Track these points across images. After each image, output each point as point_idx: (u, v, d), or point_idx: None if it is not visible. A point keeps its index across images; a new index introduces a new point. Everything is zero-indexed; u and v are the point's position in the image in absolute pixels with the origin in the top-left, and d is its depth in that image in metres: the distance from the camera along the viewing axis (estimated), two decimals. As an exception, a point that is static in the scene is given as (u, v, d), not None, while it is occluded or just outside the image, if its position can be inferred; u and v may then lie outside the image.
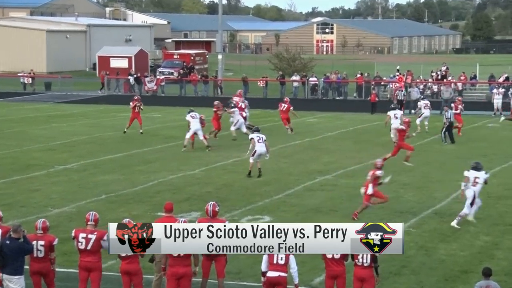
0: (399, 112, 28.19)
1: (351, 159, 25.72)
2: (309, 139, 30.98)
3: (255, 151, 22.19)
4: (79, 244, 11.60)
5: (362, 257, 11.18)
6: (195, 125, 27.16)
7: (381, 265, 11.92)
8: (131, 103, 31.81)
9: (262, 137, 22.23)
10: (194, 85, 51.16)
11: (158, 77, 53.78)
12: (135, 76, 52.19)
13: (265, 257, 11.25)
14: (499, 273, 12.98)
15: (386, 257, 13.50)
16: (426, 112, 32.00)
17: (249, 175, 22.05)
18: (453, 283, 13.30)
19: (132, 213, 17.77)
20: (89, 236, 11.57)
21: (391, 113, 28.07)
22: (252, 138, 22.43)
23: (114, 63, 62.87)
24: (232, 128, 30.30)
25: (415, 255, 14.82)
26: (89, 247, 11.55)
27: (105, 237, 11.57)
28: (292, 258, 11.22)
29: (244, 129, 29.98)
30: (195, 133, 27.28)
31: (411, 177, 22.65)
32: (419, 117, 31.99)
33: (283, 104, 32.27)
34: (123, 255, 11.32)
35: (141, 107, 31.66)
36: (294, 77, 51.11)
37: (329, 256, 11.25)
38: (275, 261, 11.17)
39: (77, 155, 26.44)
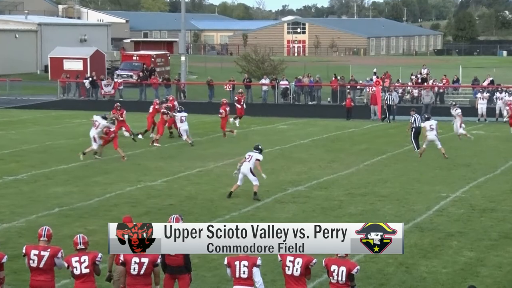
0: (434, 123, 28.03)
1: (324, 169, 25.81)
2: (279, 147, 31.04)
3: (239, 170, 21.50)
4: (31, 261, 11.49)
5: (338, 274, 11.24)
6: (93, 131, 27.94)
7: (358, 283, 11.97)
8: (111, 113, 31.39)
9: (251, 156, 21.44)
10: (155, 89, 51.01)
11: (115, 80, 53.57)
12: (90, 79, 51.89)
13: (228, 272, 11.43)
14: (484, 291, 13.11)
15: (363, 275, 13.57)
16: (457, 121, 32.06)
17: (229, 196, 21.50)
18: (434, 302, 13.40)
19: (88, 228, 17.66)
20: (42, 253, 11.46)
21: (426, 124, 27.90)
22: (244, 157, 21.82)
23: (68, 65, 62.54)
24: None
25: (394, 272, 14.91)
26: (41, 265, 11.44)
27: (59, 254, 11.50)
28: (256, 271, 11.33)
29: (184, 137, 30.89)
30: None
31: (389, 188, 22.80)
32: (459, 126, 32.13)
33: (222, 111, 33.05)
34: (77, 273, 11.26)
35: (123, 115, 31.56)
36: (263, 81, 51.22)
37: (288, 272, 11.36)
38: (237, 275, 11.35)
39: (27, 165, 26.21)
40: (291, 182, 23.65)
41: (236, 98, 39.30)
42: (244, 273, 11.34)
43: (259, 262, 11.44)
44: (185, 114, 31.27)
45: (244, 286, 11.33)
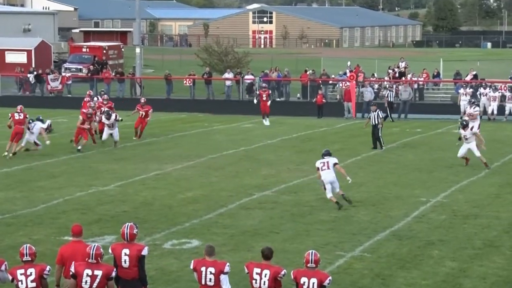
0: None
1: (294, 172, 25.87)
2: (244, 148, 31.07)
3: (323, 182, 20.97)
4: None
5: (308, 287, 11.27)
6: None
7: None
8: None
9: (327, 162, 20.97)
10: (107, 84, 50.78)
11: (63, 74, 53.22)
12: (35, 73, 51.49)
13: (195, 277, 11.51)
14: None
15: (336, 288, 13.62)
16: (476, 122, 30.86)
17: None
18: (414, 316, 13.50)
19: (33, 238, 17.52)
20: None
21: (467, 133, 26.54)
22: (317, 168, 21.10)
23: (10, 58, 61.94)
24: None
25: (369, 285, 14.98)
26: None
27: (2, 267, 11.46)
28: (223, 278, 11.38)
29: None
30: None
31: (364, 192, 22.92)
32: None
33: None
34: (23, 287, 11.19)
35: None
36: (226, 75, 51.22)
37: (256, 285, 11.43)
38: (203, 282, 11.41)
39: (-36, 168, 25.96)
40: (257, 186, 23.68)
41: (258, 93, 39.04)
42: (210, 281, 11.40)
43: (227, 269, 11.47)
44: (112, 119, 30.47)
45: None
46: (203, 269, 11.45)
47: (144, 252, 12.09)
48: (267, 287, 11.39)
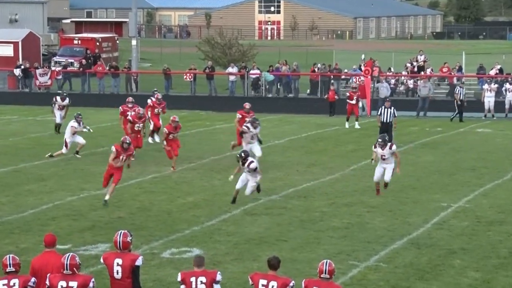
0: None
1: (303, 175, 25.88)
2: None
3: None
4: None
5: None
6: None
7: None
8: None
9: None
10: (100, 78, 50.84)
11: (53, 68, 53.29)
12: (22, 67, 51.59)
13: None
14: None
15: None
16: None
17: None
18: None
19: (20, 246, 17.57)
20: None
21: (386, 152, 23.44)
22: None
23: (-4, 50, 62.00)
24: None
25: (385, 297, 15.01)
26: None
27: None
28: None
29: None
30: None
31: (380, 197, 22.92)
32: None
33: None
34: None
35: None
36: (230, 69, 51.24)
37: None
38: None
39: None
40: (264, 190, 23.65)
41: (348, 94, 38.50)
42: None
43: (218, 277, 11.49)
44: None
45: None
46: (192, 279, 11.49)
47: (138, 262, 12.09)
48: None
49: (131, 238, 12.26)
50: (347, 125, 36.85)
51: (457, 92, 40.40)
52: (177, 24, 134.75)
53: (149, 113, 31.21)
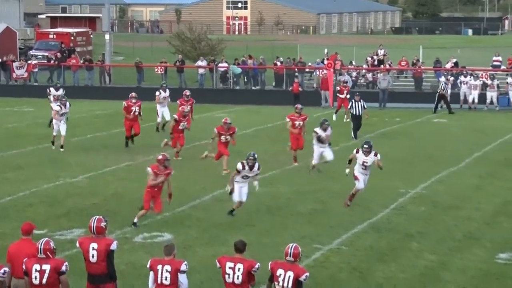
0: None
1: (270, 163, 25.90)
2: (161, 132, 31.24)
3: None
4: None
5: (284, 280, 11.34)
6: None
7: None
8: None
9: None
10: (74, 71, 50.53)
11: (29, 62, 52.87)
12: (0, 60, 51.14)
13: (151, 275, 11.55)
14: (447, 298, 13.36)
15: (312, 283, 13.69)
16: None
17: None
18: (392, 311, 13.62)
19: (-2, 232, 17.49)
20: None
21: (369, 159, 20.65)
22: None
23: (-27, 45, 61.43)
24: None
25: (347, 278, 15.08)
26: None
27: None
28: (182, 278, 11.40)
29: None
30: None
31: (342, 184, 23.00)
32: None
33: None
34: None
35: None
36: (199, 62, 51.12)
37: (229, 280, 11.51)
38: (159, 281, 11.47)
39: None
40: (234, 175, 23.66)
41: (338, 88, 38.00)
42: (166, 279, 11.44)
43: (183, 267, 11.47)
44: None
45: None
46: (159, 267, 11.50)
47: (113, 246, 12.09)
48: (240, 282, 11.45)
49: (105, 223, 12.24)
50: (334, 117, 36.67)
51: (443, 88, 40.60)
52: (148, 20, 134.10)
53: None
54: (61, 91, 33.24)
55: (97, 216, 12.31)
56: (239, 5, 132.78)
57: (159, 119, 32.18)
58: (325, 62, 46.57)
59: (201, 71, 50.03)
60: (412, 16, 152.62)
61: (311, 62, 50.77)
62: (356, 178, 19.99)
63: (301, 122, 26.28)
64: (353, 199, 20.23)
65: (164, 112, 32.32)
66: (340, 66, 45.97)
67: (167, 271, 11.44)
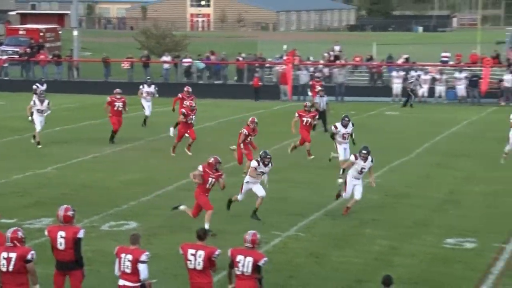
0: None
1: (232, 154, 25.89)
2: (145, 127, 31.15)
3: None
4: None
5: (243, 265, 11.38)
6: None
7: (266, 276, 12.12)
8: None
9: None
10: (43, 66, 50.12)
11: (0, 57, 52.34)
12: (-29, 56, 50.57)
13: (117, 262, 11.54)
14: (397, 281, 13.39)
15: (270, 268, 13.74)
16: None
17: None
18: (347, 294, 13.71)
19: (-31, 222, 17.30)
20: None
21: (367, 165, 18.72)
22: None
23: None
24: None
25: (304, 263, 15.14)
26: None
27: None
28: (141, 267, 11.38)
29: None
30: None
31: (300, 173, 23.09)
32: None
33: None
34: None
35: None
36: (164, 58, 50.94)
37: (191, 266, 11.52)
38: (122, 268, 11.49)
39: None
40: (195, 168, 23.58)
41: (310, 83, 37.26)
42: (127, 268, 11.43)
43: (143, 257, 11.42)
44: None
45: (127, 281, 11.43)
46: (123, 255, 11.49)
47: (80, 234, 12.03)
48: (201, 268, 11.47)
49: (73, 212, 12.18)
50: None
51: (414, 84, 40.83)
52: (115, 16, 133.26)
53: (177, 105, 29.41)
54: (45, 86, 32.90)
55: (65, 206, 12.24)
56: (202, 2, 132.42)
57: (146, 112, 31.70)
58: (284, 57, 46.67)
59: (166, 66, 49.87)
60: (366, 14, 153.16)
61: (271, 58, 50.76)
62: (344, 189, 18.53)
63: (310, 119, 25.59)
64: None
65: (148, 107, 31.82)
66: (299, 61, 46.08)
67: (128, 260, 11.42)
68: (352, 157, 18.51)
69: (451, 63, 48.56)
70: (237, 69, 49.74)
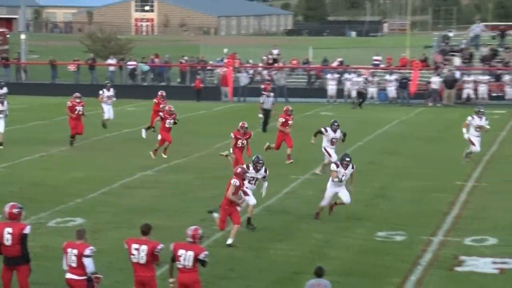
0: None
1: (175, 153, 25.83)
2: (128, 130, 30.84)
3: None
4: None
5: (185, 259, 11.38)
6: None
7: (207, 268, 12.12)
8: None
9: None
10: (-8, 69, 49.33)
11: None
12: None
13: (63, 257, 11.47)
14: (331, 273, 13.55)
15: (211, 261, 13.73)
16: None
17: None
18: (283, 285, 13.76)
19: None
20: None
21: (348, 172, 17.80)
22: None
23: None
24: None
25: (244, 256, 15.17)
26: None
27: None
28: (86, 262, 11.32)
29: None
30: None
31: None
32: None
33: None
34: None
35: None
36: (109, 61, 50.54)
37: (135, 260, 11.48)
38: (68, 262, 11.43)
39: None
40: (140, 166, 23.55)
41: (262, 86, 36.59)
42: (73, 262, 11.38)
43: (87, 252, 11.36)
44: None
45: (73, 275, 11.38)
46: (69, 250, 11.44)
47: (27, 230, 11.93)
48: (145, 261, 11.44)
49: (18, 210, 12.07)
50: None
51: (362, 87, 41.12)
52: (62, 21, 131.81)
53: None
54: (5, 89, 32.27)
55: (11, 203, 12.11)
56: (147, 8, 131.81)
57: (105, 116, 31.21)
58: (225, 60, 46.65)
59: (111, 68, 49.50)
60: (303, 19, 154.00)
61: (212, 61, 50.71)
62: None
63: (291, 122, 25.09)
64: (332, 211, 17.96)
65: (109, 110, 31.38)
66: (239, 64, 46.11)
67: (74, 254, 11.37)
68: (334, 166, 17.67)
69: (382, 66, 49.08)
70: (180, 71, 49.60)
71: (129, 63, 49.48)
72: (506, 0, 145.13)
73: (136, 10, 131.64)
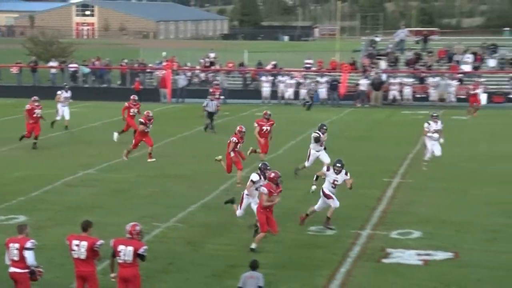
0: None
1: (116, 152, 25.59)
2: (68, 130, 30.42)
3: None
4: None
5: (125, 254, 11.29)
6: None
7: (146, 263, 12.04)
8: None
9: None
10: None
11: None
12: None
13: (6, 253, 11.32)
14: (266, 266, 13.59)
15: (150, 256, 13.65)
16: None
17: None
18: (220, 278, 13.75)
19: None
20: None
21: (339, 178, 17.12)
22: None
23: None
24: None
25: (182, 251, 15.11)
26: None
27: None
28: (27, 255, 11.19)
29: None
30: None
31: (180, 169, 23.03)
32: None
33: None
34: None
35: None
36: (51, 63, 49.85)
37: (75, 255, 11.40)
38: (11, 257, 11.31)
39: None
40: (81, 165, 23.27)
41: (211, 90, 35.60)
42: (15, 256, 11.25)
43: (28, 244, 11.27)
44: None
45: (16, 268, 11.25)
46: (11, 245, 11.32)
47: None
48: (85, 257, 11.33)
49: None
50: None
51: (312, 88, 41.16)
52: (4, 25, 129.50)
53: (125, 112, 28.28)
54: None
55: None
56: (87, 12, 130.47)
57: (58, 117, 30.54)
58: (164, 63, 46.41)
59: (53, 71, 48.86)
60: (238, 24, 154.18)
61: (151, 64, 50.41)
62: (329, 197, 16.87)
63: (269, 128, 24.10)
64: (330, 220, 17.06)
65: (64, 111, 30.78)
66: (177, 67, 45.89)
67: (16, 248, 11.25)
68: (324, 168, 17.26)
69: (313, 69, 49.40)
70: (120, 73, 49.18)
71: (70, 65, 48.87)
72: (429, 7, 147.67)
73: (77, 15, 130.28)
